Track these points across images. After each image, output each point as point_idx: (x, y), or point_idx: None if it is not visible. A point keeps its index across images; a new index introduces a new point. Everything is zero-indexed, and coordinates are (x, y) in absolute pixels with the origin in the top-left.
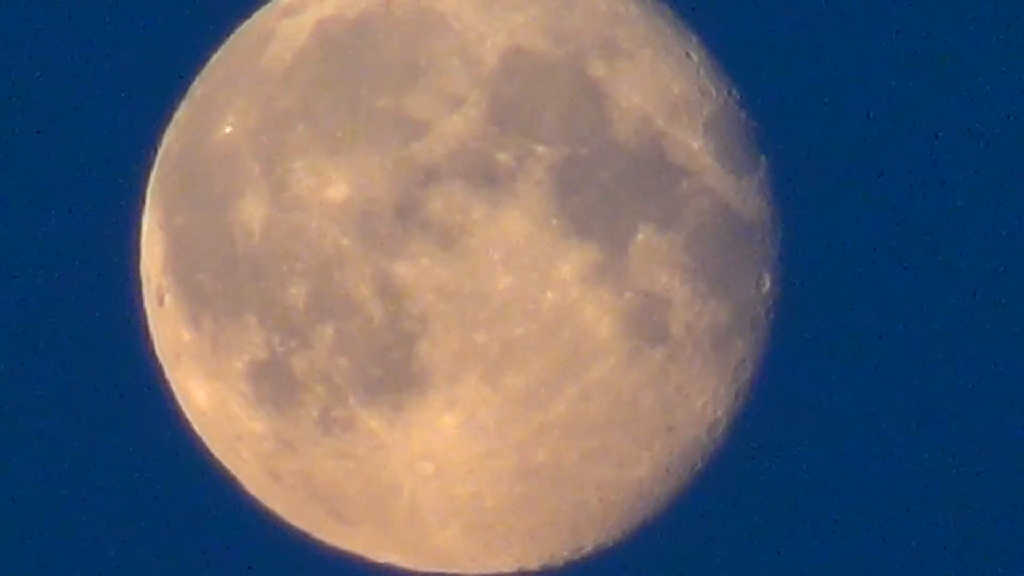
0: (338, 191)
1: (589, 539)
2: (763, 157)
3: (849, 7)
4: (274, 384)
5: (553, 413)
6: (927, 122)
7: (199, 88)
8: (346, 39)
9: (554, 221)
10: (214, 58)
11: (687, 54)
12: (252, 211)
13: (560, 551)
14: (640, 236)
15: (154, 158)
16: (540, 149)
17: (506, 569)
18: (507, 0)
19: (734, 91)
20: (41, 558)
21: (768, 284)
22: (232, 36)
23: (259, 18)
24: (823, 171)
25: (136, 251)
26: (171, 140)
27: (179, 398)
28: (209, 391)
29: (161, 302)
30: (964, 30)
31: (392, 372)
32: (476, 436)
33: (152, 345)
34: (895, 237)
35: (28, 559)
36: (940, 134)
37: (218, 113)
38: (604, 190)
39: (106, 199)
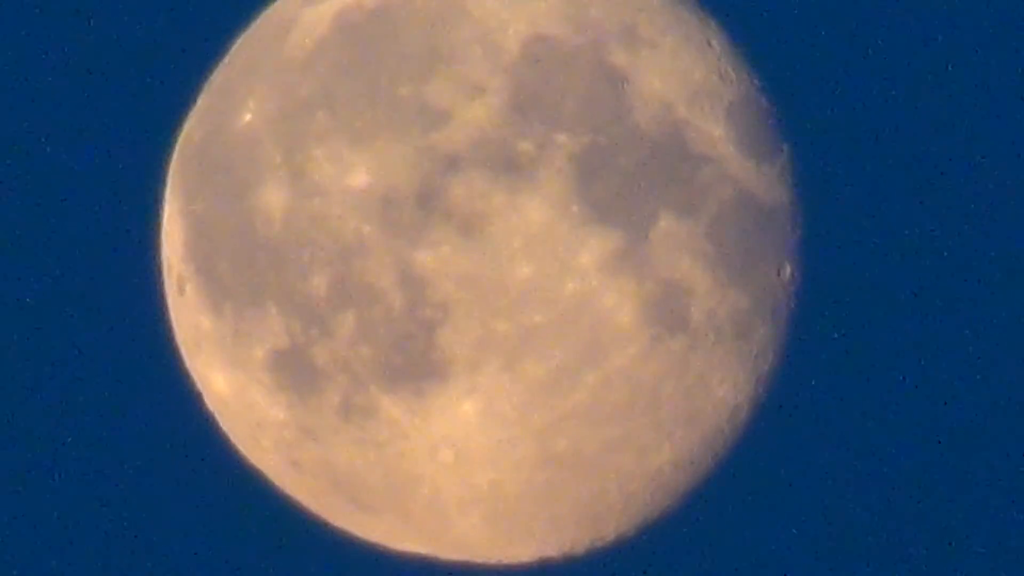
0: (359, 179)
1: (610, 528)
2: (784, 144)
3: None
4: (295, 372)
5: (573, 401)
6: (951, 109)
7: (220, 76)
8: (367, 27)
9: (575, 209)
10: (235, 46)
11: (708, 42)
12: (272, 198)
13: (581, 540)
14: (661, 223)
15: (174, 146)
16: (561, 137)
17: (527, 558)
18: None
19: (755, 78)
20: (63, 542)
21: (789, 272)
22: (253, 24)
23: (280, 6)
24: (845, 158)
25: (157, 239)
26: (191, 128)
27: (199, 386)
28: (229, 379)
29: (182, 290)
30: (985, 16)
31: (413, 360)
32: (496, 424)
33: (172, 333)
34: (917, 225)
35: (50, 543)
36: (965, 121)
37: (239, 101)
38: (625, 177)
39: (127, 187)
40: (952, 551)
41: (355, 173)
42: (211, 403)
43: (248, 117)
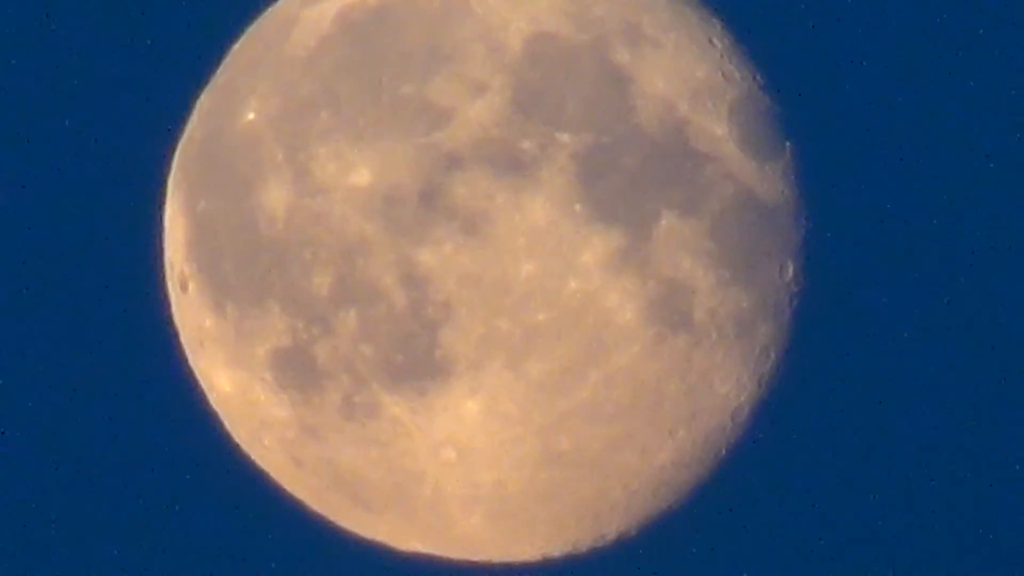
0: (361, 177)
1: (612, 526)
2: (787, 143)
3: None
4: (297, 371)
5: (576, 400)
6: (954, 108)
7: (222, 74)
8: (369, 25)
9: (577, 207)
10: (237, 45)
11: (711, 40)
12: (275, 197)
13: (583, 539)
14: (664, 222)
15: (177, 145)
16: (564, 137)
17: (529, 557)
18: None
19: (758, 77)
20: (66, 541)
21: (791, 271)
22: (255, 23)
23: (282, 5)
24: (847, 157)
25: (159, 238)
26: (194, 127)
27: (202, 385)
28: (232, 378)
29: (184, 289)
30: (989, 15)
31: (415, 359)
32: (499, 423)
33: (175, 332)
34: (920, 223)
35: (53, 542)
36: (968, 120)
37: (241, 99)
38: (628, 176)
39: (129, 186)
40: (954, 550)
41: (357, 172)
42: (214, 402)
43: (250, 116)
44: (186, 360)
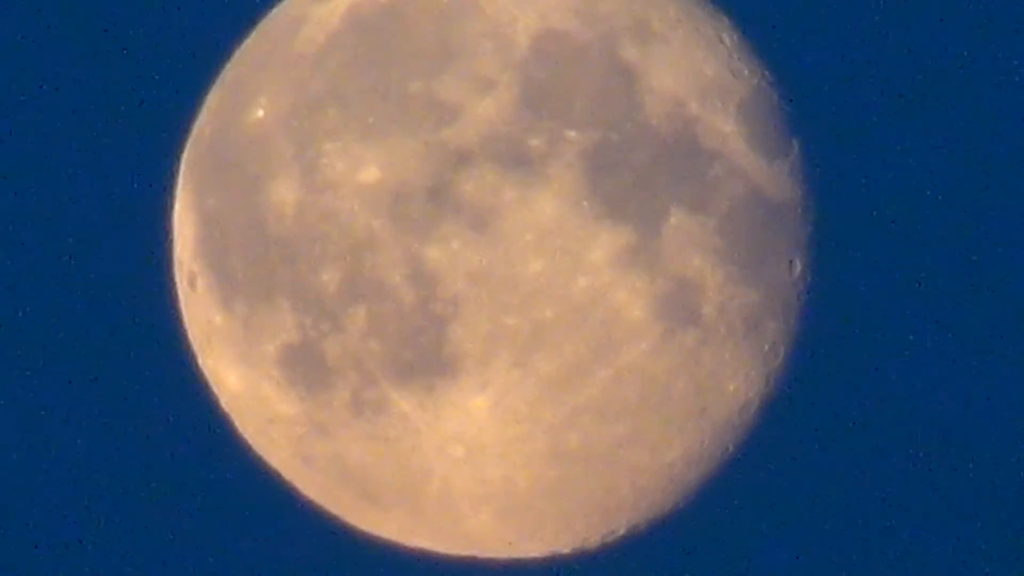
0: (370, 174)
1: (621, 523)
2: (795, 141)
3: None
4: (306, 367)
5: (585, 396)
6: (961, 106)
7: (231, 72)
8: (378, 22)
9: (586, 204)
10: (247, 42)
11: (719, 37)
12: (284, 194)
13: (592, 535)
14: (672, 219)
15: (186, 142)
16: (572, 133)
17: (538, 554)
18: None
19: (766, 74)
20: (74, 541)
21: (799, 267)
22: (264, 20)
23: (291, 2)
24: (855, 154)
25: (168, 235)
26: (203, 124)
27: (211, 382)
28: (241, 375)
29: (193, 286)
30: (996, 14)
31: (423, 355)
32: (507, 419)
33: (184, 329)
34: (927, 220)
35: (61, 542)
36: (975, 118)
37: (250, 97)
38: (636, 173)
39: (139, 183)
40: (962, 545)
41: (366, 168)
42: (222, 398)
43: (259, 113)
44: (194, 357)
